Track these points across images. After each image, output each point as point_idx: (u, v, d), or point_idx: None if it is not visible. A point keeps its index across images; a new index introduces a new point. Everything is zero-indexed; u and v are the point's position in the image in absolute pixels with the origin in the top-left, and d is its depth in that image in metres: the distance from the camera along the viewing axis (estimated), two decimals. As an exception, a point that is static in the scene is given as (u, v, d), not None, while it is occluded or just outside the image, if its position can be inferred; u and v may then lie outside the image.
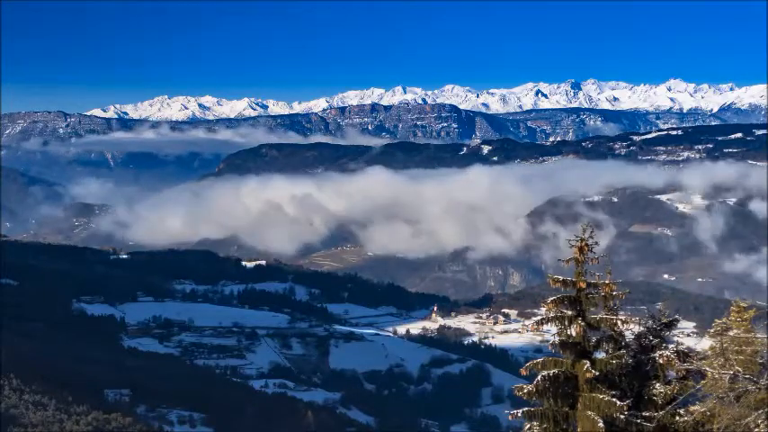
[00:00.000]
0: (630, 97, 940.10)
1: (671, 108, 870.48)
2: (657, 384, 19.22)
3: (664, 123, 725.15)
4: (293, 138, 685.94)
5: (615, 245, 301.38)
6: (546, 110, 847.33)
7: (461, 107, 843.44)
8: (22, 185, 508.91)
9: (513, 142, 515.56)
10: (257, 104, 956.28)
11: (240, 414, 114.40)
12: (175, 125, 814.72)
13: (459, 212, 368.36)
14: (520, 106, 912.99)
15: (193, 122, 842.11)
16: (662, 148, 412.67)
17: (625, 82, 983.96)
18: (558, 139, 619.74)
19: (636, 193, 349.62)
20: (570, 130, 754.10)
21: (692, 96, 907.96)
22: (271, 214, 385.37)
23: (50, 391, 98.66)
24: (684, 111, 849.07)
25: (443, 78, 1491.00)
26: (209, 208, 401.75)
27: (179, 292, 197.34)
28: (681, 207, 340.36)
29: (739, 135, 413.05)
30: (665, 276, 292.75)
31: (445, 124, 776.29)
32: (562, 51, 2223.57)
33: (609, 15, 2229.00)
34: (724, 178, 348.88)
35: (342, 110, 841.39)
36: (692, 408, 18.40)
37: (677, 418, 18.57)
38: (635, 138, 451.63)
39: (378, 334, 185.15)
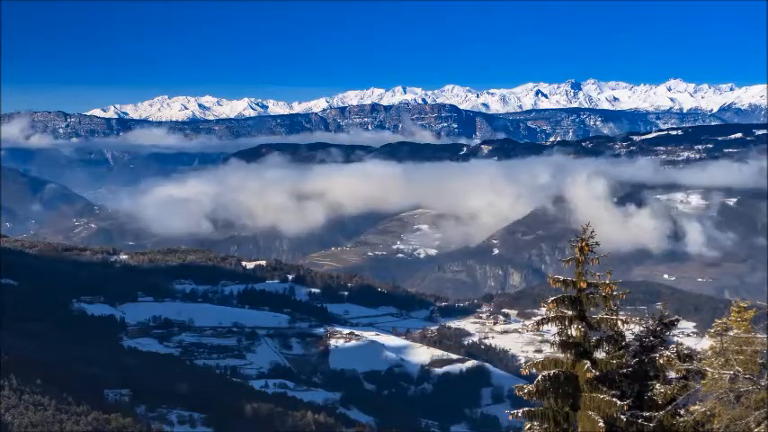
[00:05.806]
0: (630, 97, 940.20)
1: (671, 108, 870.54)
2: (657, 384, 19.23)
3: (664, 123, 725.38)
4: (293, 138, 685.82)
5: (615, 245, 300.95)
6: (546, 110, 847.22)
7: (461, 107, 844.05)
8: (22, 185, 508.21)
9: (513, 142, 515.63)
10: (257, 104, 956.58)
11: (240, 414, 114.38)
12: (175, 125, 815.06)
13: (458, 213, 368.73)
14: (520, 106, 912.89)
15: (193, 122, 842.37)
16: (662, 148, 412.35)
17: (625, 82, 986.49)
18: (558, 139, 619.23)
19: (636, 193, 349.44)
20: (570, 130, 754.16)
21: (691, 96, 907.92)
22: (271, 214, 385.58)
23: (50, 391, 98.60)
24: (684, 111, 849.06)
25: (443, 78, 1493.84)
26: (210, 208, 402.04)
27: (179, 292, 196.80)
28: (681, 207, 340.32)
29: (739, 135, 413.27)
30: (665, 276, 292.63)
31: (445, 124, 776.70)
32: (562, 51, 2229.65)
33: (609, 15, 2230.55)
34: (724, 178, 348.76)
35: (342, 110, 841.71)
36: (692, 408, 18.40)
37: (677, 418, 18.58)
38: (635, 138, 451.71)
39: (378, 334, 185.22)
